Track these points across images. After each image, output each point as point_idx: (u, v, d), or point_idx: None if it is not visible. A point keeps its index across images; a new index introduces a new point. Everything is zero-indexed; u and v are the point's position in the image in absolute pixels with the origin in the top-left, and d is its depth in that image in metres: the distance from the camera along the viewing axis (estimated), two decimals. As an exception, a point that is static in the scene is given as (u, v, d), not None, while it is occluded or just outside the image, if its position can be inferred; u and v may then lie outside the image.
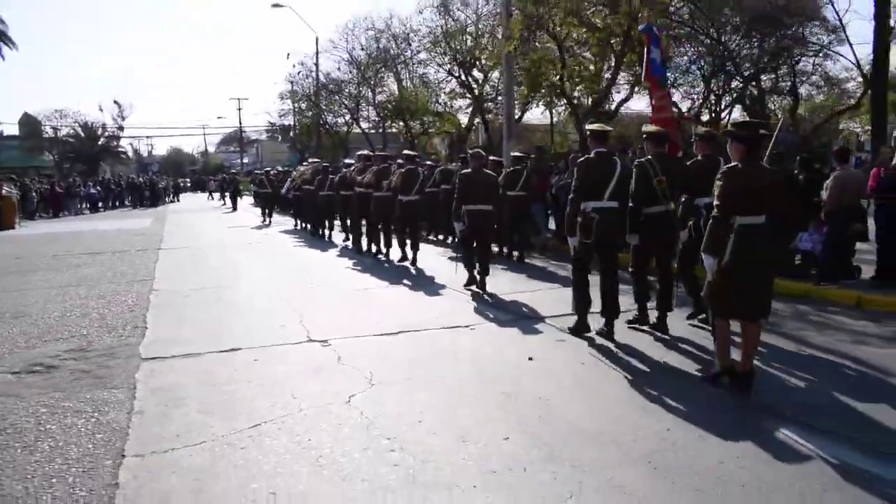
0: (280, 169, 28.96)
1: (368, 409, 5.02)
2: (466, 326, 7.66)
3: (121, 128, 57.30)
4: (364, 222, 13.83)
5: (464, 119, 29.66)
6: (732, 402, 5.08)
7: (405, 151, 14.57)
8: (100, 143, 57.15)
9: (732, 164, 5.17)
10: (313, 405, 5.13)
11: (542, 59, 16.20)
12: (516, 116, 21.24)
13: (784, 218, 5.60)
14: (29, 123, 55.28)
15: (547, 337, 7.11)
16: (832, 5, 24.38)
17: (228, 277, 11.58)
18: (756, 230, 4.99)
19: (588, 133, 6.97)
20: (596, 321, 7.04)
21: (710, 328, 6.03)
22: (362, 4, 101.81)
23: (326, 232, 17.61)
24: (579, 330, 6.95)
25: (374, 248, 13.51)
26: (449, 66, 24.55)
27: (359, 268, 12.48)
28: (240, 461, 4.16)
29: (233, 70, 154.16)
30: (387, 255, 13.18)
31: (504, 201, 11.10)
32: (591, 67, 17.40)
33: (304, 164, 22.00)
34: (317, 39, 53.91)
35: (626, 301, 7.26)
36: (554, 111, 23.47)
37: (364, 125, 34.41)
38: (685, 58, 30.38)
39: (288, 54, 43.76)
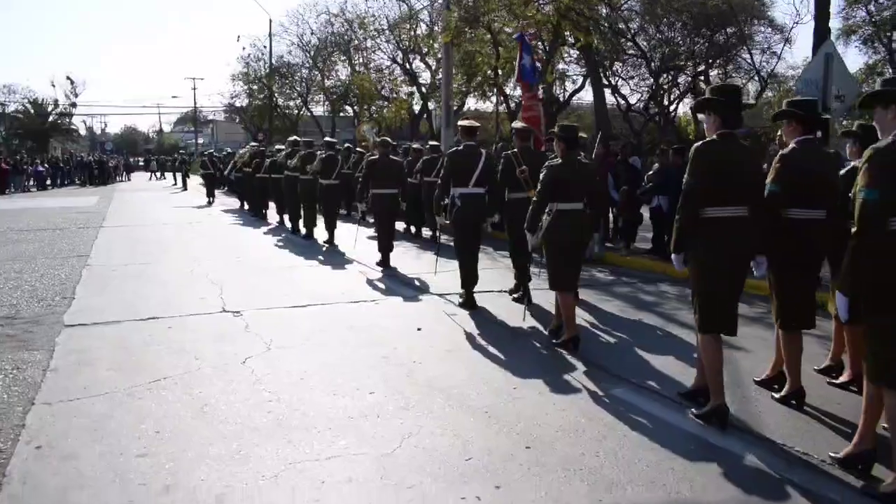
0: (228, 151, 29.27)
1: (260, 368, 5.71)
2: (371, 301, 8.37)
3: (73, 104, 56.69)
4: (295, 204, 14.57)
5: (417, 107, 30.27)
6: (577, 366, 5.86)
7: (326, 139, 15.27)
8: (50, 119, 56.40)
9: (555, 159, 6.11)
10: (212, 365, 5.79)
11: (475, 52, 16.85)
12: (456, 107, 21.88)
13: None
14: (-25, 99, 54.46)
15: (441, 311, 7.86)
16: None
17: (161, 254, 12.15)
18: (574, 214, 5.88)
19: (459, 127, 7.75)
20: (489, 299, 7.81)
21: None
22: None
23: (264, 212, 18.30)
24: (466, 304, 7.72)
25: (303, 229, 14.20)
26: (393, 54, 25.13)
27: (286, 247, 13.19)
28: (135, 408, 4.82)
29: (188, 49, 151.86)
30: (309, 234, 14.11)
31: (422, 186, 11.89)
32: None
33: (249, 145, 22.47)
34: (270, 21, 53.96)
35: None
36: (490, 102, 24.21)
37: (318, 109, 34.85)
38: (631, 52, 31.42)
39: (238, 37, 43.88)
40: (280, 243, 13.73)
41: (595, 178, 6.23)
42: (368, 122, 25.23)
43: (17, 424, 4.50)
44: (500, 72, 17.53)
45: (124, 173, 49.43)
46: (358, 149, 18.65)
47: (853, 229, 3.50)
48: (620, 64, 33.21)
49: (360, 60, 31.78)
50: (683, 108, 36.46)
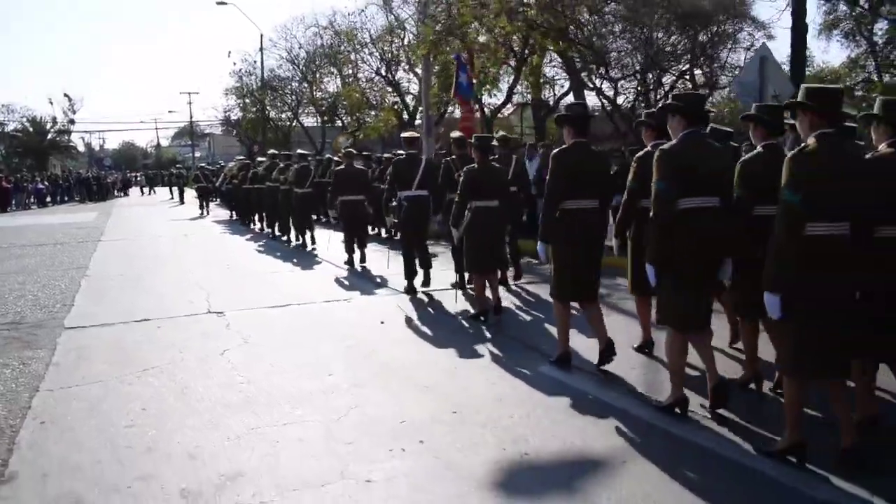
0: (221, 164, 30.11)
1: (236, 359, 6.50)
2: (343, 300, 9.18)
3: (72, 121, 57.57)
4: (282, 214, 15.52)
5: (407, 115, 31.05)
6: (515, 345, 6.64)
7: (298, 150, 16.21)
8: (48, 137, 57.31)
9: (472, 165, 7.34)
10: (194, 357, 6.58)
11: (449, 62, 17.68)
12: (437, 115, 22.68)
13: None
14: (-25, 119, 55.37)
15: (406, 305, 8.66)
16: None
17: (155, 264, 12.96)
18: (489, 210, 7.21)
19: (403, 139, 8.68)
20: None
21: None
22: (304, 2, 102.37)
23: (253, 222, 19.26)
24: (410, 292, 8.96)
25: (285, 237, 15.23)
26: (377, 66, 26.01)
27: (268, 252, 14.22)
28: (124, 392, 5.61)
29: (183, 63, 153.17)
30: (288, 240, 15.28)
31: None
32: (492, 70, 18.94)
33: (236, 158, 23.33)
34: (261, 36, 54.82)
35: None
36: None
37: (309, 120, 35.69)
38: (617, 53, 32.20)
39: (229, 52, 44.88)
40: (263, 250, 14.79)
41: (507, 180, 7.21)
42: (344, 134, 26.09)
43: (24, 406, 5.30)
44: (474, 82, 18.32)
45: (122, 188, 50.21)
46: (336, 158, 19.52)
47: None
48: (603, 68, 33.86)
49: (350, 71, 32.62)
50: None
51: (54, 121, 56.77)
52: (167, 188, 43.95)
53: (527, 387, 5.56)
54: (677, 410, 4.76)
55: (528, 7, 16.61)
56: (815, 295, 3.77)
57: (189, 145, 78.78)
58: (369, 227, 13.80)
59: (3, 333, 7.72)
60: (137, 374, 6.09)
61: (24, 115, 55.78)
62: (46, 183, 41.56)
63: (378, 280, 10.51)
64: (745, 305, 5.00)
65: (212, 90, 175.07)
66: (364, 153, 15.97)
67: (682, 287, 4.56)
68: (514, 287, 9.48)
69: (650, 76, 34.15)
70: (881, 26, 29.61)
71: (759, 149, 4.87)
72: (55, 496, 3.86)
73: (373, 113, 31.29)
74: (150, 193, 50.71)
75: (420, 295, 9.12)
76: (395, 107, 25.09)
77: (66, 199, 42.32)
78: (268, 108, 35.85)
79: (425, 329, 7.55)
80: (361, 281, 10.53)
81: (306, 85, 32.40)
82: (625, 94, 36.43)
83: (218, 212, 26.26)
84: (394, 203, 8.71)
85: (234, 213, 22.24)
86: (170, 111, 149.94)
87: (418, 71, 28.07)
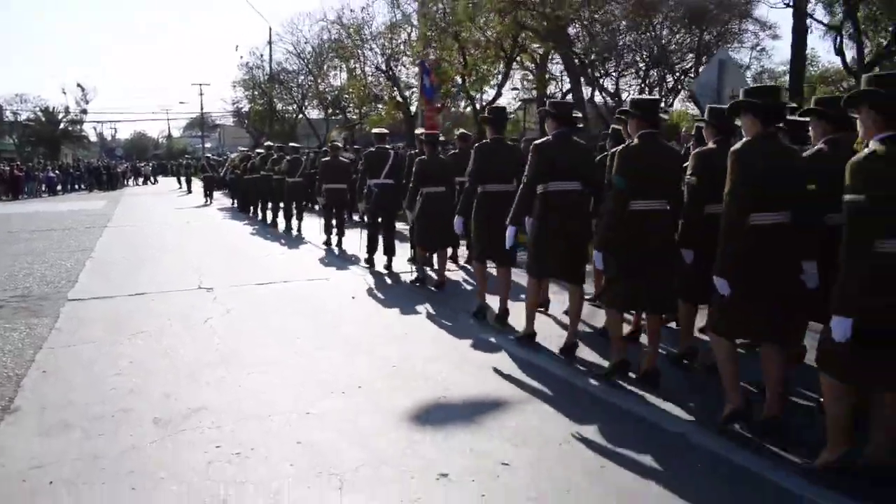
0: (228, 155, 30.99)
1: (217, 325, 7.34)
2: (324, 279, 10.02)
3: (84, 111, 58.50)
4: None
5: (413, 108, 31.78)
6: (479, 329, 7.44)
7: (291, 144, 17.11)
8: (61, 127, 58.34)
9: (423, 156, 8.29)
10: (180, 324, 7.42)
11: (442, 60, 18.47)
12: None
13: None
14: (-11, 108, 56.49)
15: (378, 282, 9.50)
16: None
17: (157, 247, 13.84)
18: (437, 195, 8.15)
19: (373, 134, 9.57)
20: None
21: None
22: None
23: (251, 210, 20.23)
24: (369, 264, 10.15)
25: (277, 222, 16.42)
26: (377, 61, 26.83)
27: (262, 237, 15.26)
28: (115, 351, 6.44)
29: (195, 55, 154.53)
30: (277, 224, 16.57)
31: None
32: (484, 67, 19.71)
33: (239, 149, 24.19)
34: (270, 30, 55.61)
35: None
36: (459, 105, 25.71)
37: (314, 113, 36.53)
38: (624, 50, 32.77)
39: (237, 46, 45.65)
40: (257, 234, 15.88)
41: (453, 170, 8.04)
42: (338, 128, 26.93)
43: (29, 360, 6.15)
44: (466, 78, 19.12)
45: (133, 178, 51.20)
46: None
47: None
48: (601, 65, 34.36)
49: (356, 65, 33.37)
50: (679, 104, 37.60)
51: (67, 111, 57.81)
52: (175, 178, 44.95)
53: (465, 349, 6.37)
54: (617, 379, 5.39)
55: (519, 6, 17.34)
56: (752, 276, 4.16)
57: (200, 136, 79.87)
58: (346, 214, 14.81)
59: (13, 304, 8.58)
60: (128, 336, 6.93)
61: (37, 105, 56.85)
62: (58, 171, 42.58)
63: (353, 259, 11.50)
64: (688, 290, 5.31)
65: (223, 82, 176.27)
66: (356, 147, 16.82)
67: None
68: (462, 263, 10.53)
69: (654, 73, 34.86)
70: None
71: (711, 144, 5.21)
72: (50, 423, 4.70)
73: (379, 106, 32.07)
74: (153, 183, 51.91)
75: (386, 272, 10.16)
76: (399, 101, 25.80)
77: (76, 187, 43.33)
78: (275, 100, 36.67)
79: (387, 301, 8.42)
80: (339, 261, 11.47)
81: (311, 78, 33.21)
82: (627, 90, 37.02)
83: (223, 200, 27.18)
84: (365, 190, 9.60)
85: (235, 201, 23.15)
86: (181, 102, 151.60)
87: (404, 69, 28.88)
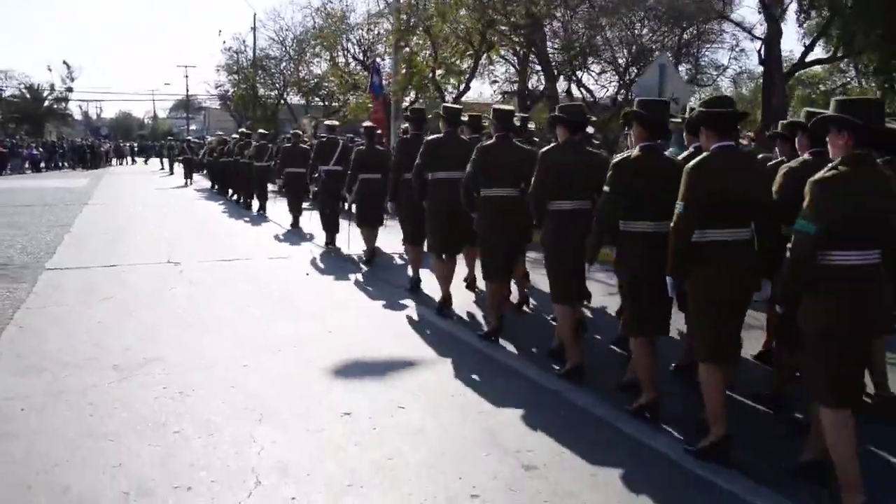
0: (209, 138, 31.67)
1: (179, 294, 8.17)
2: (285, 257, 10.87)
3: (70, 89, 58.50)
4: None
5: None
6: (394, 290, 8.29)
7: (260, 130, 17.99)
8: (45, 104, 58.46)
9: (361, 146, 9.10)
10: (147, 292, 8.24)
11: (414, 54, 19.27)
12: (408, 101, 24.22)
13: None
14: (-28, 84, 56.45)
15: (332, 262, 10.38)
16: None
17: (132, 224, 14.66)
18: (372, 181, 8.89)
19: (324, 125, 10.54)
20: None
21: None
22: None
23: (226, 191, 21.17)
24: (328, 244, 11.16)
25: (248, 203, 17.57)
26: (354, 51, 27.55)
27: (233, 217, 16.28)
28: (86, 313, 7.26)
29: (182, 38, 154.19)
30: (249, 205, 17.71)
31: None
32: (453, 60, 20.51)
33: (216, 133, 24.92)
34: (254, 16, 55.83)
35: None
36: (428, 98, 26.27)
37: (295, 99, 37.13)
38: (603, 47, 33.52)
39: (220, 31, 46.05)
40: (228, 214, 16.89)
41: (389, 160, 8.85)
42: (308, 117, 27.67)
43: (8, 318, 6.96)
44: (437, 72, 19.92)
45: (116, 157, 51.54)
46: (310, 139, 21.21)
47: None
48: (585, 60, 34.89)
49: (338, 53, 33.95)
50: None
51: (52, 88, 57.85)
52: (157, 159, 45.48)
53: (393, 319, 7.25)
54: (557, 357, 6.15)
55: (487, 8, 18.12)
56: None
57: (185, 118, 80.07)
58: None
59: (-6, 271, 9.37)
60: (98, 301, 7.75)
61: (21, 82, 56.90)
62: (41, 149, 42.98)
63: (310, 237, 12.66)
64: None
65: (208, 64, 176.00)
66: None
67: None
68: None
69: (633, 70, 35.70)
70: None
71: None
72: (23, 367, 5.53)
73: (359, 92, 32.68)
74: (131, 163, 52.47)
75: (336, 250, 11.33)
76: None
77: (60, 165, 43.73)
78: (258, 86, 37.21)
79: (336, 277, 9.36)
80: (300, 240, 12.55)
81: (292, 65, 33.84)
82: (606, 86, 37.72)
83: (202, 182, 27.88)
84: (315, 175, 10.54)
85: (213, 183, 23.92)
86: (166, 84, 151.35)
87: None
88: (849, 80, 35.15)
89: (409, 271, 8.61)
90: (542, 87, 34.79)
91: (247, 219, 16.01)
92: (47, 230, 13.45)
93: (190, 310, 7.46)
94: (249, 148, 15.76)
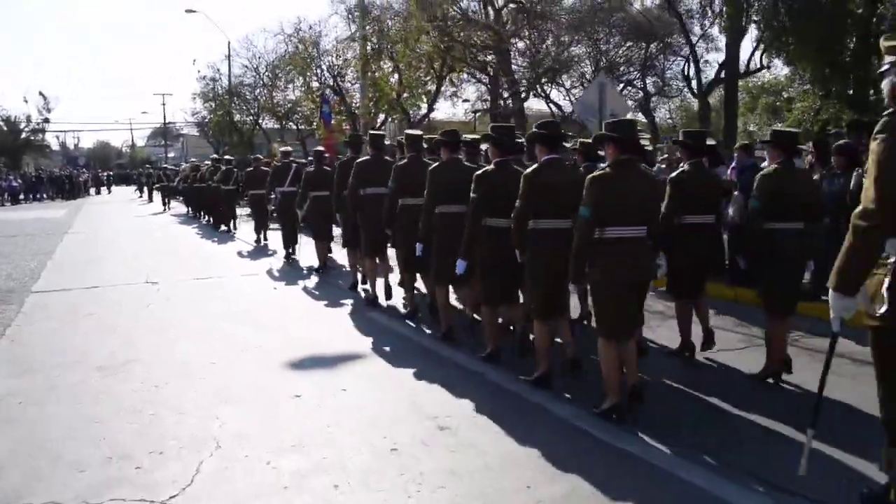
0: (185, 165, 32.46)
1: (156, 309, 8.99)
2: (255, 274, 11.71)
3: (46, 120, 58.70)
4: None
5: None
6: (366, 309, 9.14)
7: (226, 156, 19.23)
8: (23, 136, 58.78)
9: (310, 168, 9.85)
10: (127, 309, 9.04)
11: (379, 78, 20.25)
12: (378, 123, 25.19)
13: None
14: (-50, 117, 56.77)
15: (296, 276, 11.24)
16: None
17: (111, 250, 15.46)
18: (321, 198, 9.54)
19: (280, 151, 11.68)
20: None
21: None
22: (271, 11, 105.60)
23: (199, 215, 22.17)
24: (288, 258, 12.27)
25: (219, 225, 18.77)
26: (324, 77, 28.47)
27: (207, 238, 17.28)
28: (70, 327, 8.06)
29: (158, 67, 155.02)
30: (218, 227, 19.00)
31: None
32: (414, 85, 21.53)
33: (190, 160, 25.76)
34: (228, 44, 56.69)
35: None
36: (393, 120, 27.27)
37: (270, 123, 37.99)
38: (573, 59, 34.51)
39: (194, 60, 46.80)
40: (201, 236, 18.01)
41: (335, 180, 9.57)
42: (279, 141, 28.50)
43: (1, 334, 7.76)
44: (402, 95, 20.91)
45: (94, 187, 52.02)
46: (274, 162, 22.08)
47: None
48: (555, 76, 35.76)
49: (312, 77, 34.86)
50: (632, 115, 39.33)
51: (28, 119, 58.12)
52: (135, 187, 46.07)
53: (349, 324, 8.11)
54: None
55: (443, 28, 19.14)
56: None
57: (163, 146, 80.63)
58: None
59: (-16, 296, 10.15)
60: (82, 317, 8.57)
61: (-2, 115, 57.21)
62: (20, 181, 43.50)
63: (272, 253, 13.88)
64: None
65: (185, 92, 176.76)
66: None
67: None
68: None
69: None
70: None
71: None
72: (19, 370, 6.33)
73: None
74: (108, 193, 52.68)
75: (295, 262, 12.58)
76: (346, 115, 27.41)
77: (40, 196, 44.23)
78: (234, 111, 38.01)
79: (301, 290, 10.18)
80: (268, 258, 13.52)
81: (266, 91, 34.71)
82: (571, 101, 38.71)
83: (179, 208, 28.65)
84: (272, 196, 11.97)
85: (190, 209, 24.76)
86: (143, 112, 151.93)
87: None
88: (808, 86, 36.36)
89: (360, 281, 9.69)
90: (511, 105, 36.02)
91: (217, 239, 17.03)
92: (31, 258, 14.20)
93: (166, 322, 8.27)
94: (217, 173, 16.82)
